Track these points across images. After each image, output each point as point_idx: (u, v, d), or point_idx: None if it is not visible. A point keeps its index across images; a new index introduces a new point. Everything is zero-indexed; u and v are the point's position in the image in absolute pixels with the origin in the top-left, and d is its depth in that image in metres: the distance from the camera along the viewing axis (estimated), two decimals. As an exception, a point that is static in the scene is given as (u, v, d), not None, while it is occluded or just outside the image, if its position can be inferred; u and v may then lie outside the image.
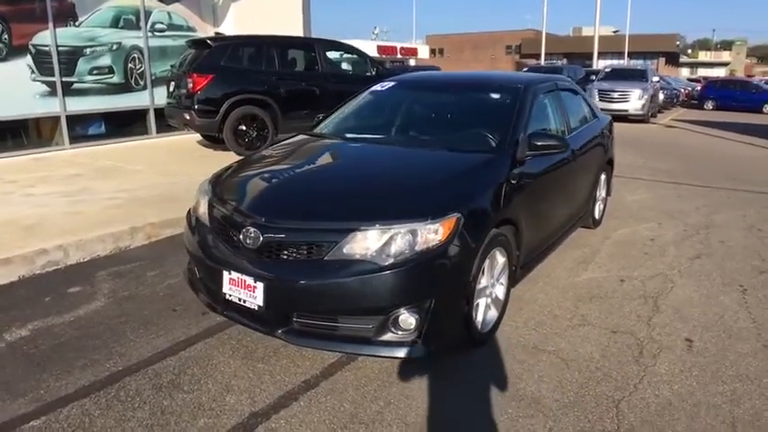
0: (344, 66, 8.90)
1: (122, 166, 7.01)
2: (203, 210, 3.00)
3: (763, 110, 22.50)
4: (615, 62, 45.37)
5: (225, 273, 2.65)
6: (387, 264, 2.40)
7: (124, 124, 9.19)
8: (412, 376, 2.67)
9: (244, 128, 7.63)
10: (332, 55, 8.62)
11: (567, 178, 4.02)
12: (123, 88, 9.03)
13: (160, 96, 9.17)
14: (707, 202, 6.46)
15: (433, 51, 54.72)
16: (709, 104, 23.94)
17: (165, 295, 3.56)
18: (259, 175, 3.27)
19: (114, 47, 8.81)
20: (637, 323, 3.32)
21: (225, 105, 7.39)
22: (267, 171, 3.33)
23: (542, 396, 2.55)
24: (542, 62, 31.54)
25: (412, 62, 39.79)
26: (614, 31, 63.74)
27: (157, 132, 9.44)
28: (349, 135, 3.80)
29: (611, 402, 2.52)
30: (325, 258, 2.45)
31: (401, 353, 2.48)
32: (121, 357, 2.81)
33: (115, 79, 8.91)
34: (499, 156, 3.17)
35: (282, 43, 8.36)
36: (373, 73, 8.84)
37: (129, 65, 9.03)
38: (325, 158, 3.54)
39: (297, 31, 11.51)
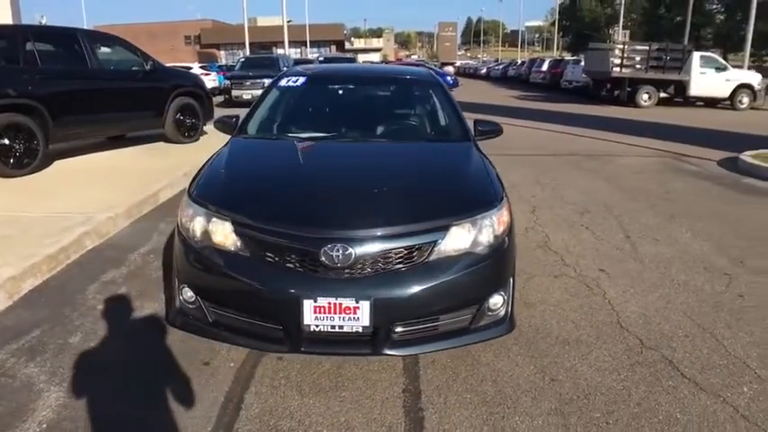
0: (114, 60, 7.58)
1: None
2: (225, 237, 2.54)
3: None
4: (295, 51, 48.78)
5: (306, 302, 2.37)
6: (485, 253, 2.56)
7: None
8: (478, 353, 2.88)
9: (6, 142, 5.93)
10: (99, 48, 7.27)
11: None
12: None
13: None
14: (489, 167, 7.94)
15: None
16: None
17: (148, 360, 2.83)
18: (284, 185, 2.92)
19: None
20: (560, 267, 4.15)
21: (-22, 115, 5.60)
22: (288, 179, 3.01)
23: (577, 336, 3.10)
24: (248, 53, 32.07)
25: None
26: (288, 21, 67.76)
27: None
28: (304, 135, 3.58)
29: (616, 325, 3.24)
30: (429, 260, 2.46)
31: (494, 333, 2.69)
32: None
33: None
34: (471, 142, 3.52)
35: (41, 34, 6.67)
36: (148, 68, 7.82)
37: None
38: (330, 159, 3.35)
39: (4, 16, 9.21)
